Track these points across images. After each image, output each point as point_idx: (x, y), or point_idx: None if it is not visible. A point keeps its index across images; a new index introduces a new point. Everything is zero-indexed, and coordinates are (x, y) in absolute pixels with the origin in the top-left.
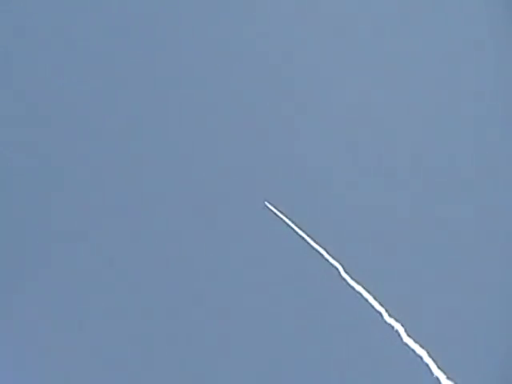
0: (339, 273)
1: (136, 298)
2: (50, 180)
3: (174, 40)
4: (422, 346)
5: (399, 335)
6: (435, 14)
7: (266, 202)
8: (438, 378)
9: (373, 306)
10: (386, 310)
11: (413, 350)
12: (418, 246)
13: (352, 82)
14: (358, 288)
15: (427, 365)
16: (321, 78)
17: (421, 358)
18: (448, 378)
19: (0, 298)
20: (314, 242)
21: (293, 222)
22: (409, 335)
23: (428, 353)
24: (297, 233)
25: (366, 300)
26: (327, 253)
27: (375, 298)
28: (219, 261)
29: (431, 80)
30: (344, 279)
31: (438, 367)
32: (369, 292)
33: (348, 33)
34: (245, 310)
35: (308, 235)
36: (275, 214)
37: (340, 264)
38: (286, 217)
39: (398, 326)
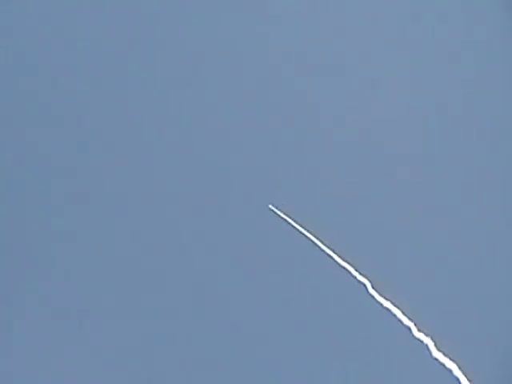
0: (367, 289)
1: (136, 298)
2: (50, 180)
3: (183, 39)
4: (451, 359)
5: (428, 349)
6: (435, 14)
7: (284, 216)
8: None
9: (401, 322)
10: (415, 325)
11: (443, 364)
12: (445, 260)
13: (354, 85)
14: (386, 304)
15: (457, 379)
16: (323, 79)
17: (451, 371)
18: None
19: (0, 297)
20: (342, 259)
21: (321, 241)
22: (438, 349)
23: (458, 366)
24: (324, 251)
25: (395, 315)
26: (355, 269)
27: (403, 313)
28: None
29: (431, 80)
30: (371, 295)
31: (469, 380)
32: (397, 307)
33: (349, 33)
34: (265, 327)
35: (335, 253)
36: (301, 232)
37: (368, 280)
38: (315, 236)
39: (427, 341)
